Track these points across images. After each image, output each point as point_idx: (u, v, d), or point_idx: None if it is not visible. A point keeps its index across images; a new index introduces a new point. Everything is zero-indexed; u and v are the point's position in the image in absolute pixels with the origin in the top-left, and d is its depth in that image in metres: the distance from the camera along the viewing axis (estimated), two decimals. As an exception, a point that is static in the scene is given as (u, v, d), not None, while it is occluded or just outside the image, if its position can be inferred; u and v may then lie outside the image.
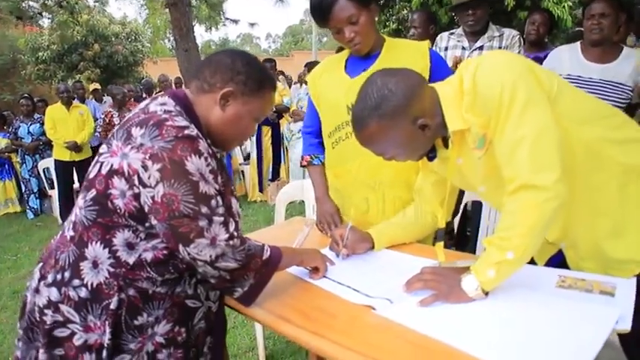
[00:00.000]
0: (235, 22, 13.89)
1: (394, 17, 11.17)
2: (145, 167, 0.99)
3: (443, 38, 2.87)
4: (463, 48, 2.74)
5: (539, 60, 2.67)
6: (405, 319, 1.01)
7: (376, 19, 1.60)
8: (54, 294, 1.04)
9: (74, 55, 15.69)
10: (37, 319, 1.05)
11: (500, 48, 2.63)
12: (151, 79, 11.25)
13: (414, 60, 1.57)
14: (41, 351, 1.03)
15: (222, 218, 1.03)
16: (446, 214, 1.41)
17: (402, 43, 1.70)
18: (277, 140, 5.71)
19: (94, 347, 1.01)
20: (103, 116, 5.55)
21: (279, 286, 1.22)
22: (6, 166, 6.33)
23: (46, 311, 1.04)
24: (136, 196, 1.01)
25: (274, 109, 5.58)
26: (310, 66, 4.58)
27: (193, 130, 1.04)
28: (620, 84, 2.36)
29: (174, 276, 1.09)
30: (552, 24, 3.30)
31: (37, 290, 1.08)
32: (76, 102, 5.88)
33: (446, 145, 1.23)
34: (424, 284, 1.11)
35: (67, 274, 1.05)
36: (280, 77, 6.66)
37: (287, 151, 5.75)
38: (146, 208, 1.00)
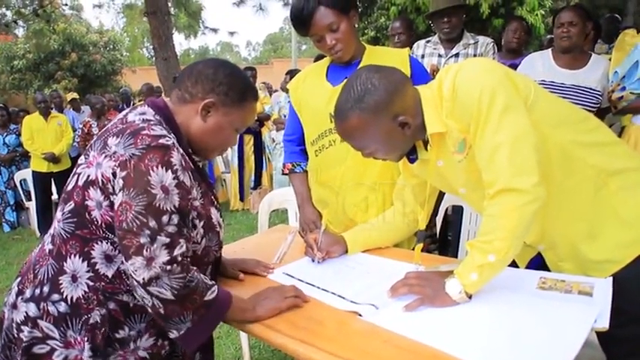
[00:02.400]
0: (215, 30, 13.85)
1: (372, 25, 11.31)
2: (114, 174, 0.98)
3: (420, 46, 2.92)
4: (439, 55, 2.80)
5: (515, 66, 2.75)
6: (392, 324, 1.02)
7: (356, 26, 1.63)
8: (32, 309, 1.02)
9: (51, 64, 15.46)
10: (15, 335, 1.03)
11: (475, 55, 2.69)
12: (130, 89, 11.14)
13: (395, 65, 1.59)
14: None
15: (167, 239, 0.97)
16: (426, 216, 1.43)
17: (383, 51, 1.73)
18: (259, 148, 5.71)
19: None
20: (81, 126, 5.47)
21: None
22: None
23: (23, 327, 1.02)
24: (111, 206, 0.99)
25: (256, 117, 5.58)
26: (292, 74, 4.61)
27: (169, 140, 1.02)
28: (590, 89, 2.45)
29: None
30: (530, 31, 3.41)
31: (14, 306, 1.05)
32: (54, 112, 5.78)
33: (426, 147, 1.25)
34: (409, 289, 1.13)
35: (45, 289, 1.03)
36: (261, 85, 6.66)
37: (269, 159, 5.75)
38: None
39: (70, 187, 1.05)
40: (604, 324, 0.95)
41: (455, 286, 1.08)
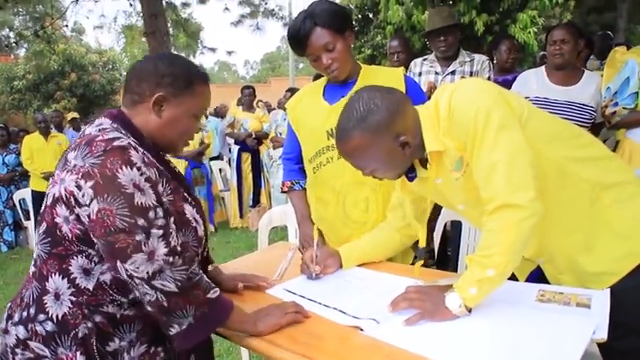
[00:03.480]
0: (213, 50, 14.00)
1: (369, 44, 11.46)
2: (78, 187, 0.97)
3: (416, 64, 2.97)
4: (436, 73, 2.85)
5: (508, 82, 2.81)
6: (393, 338, 1.03)
7: (352, 45, 1.67)
8: (21, 332, 1.04)
9: (50, 85, 15.60)
10: (10, 359, 1.05)
11: (471, 72, 2.74)
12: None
13: (389, 84, 1.61)
14: None
15: (161, 231, 0.99)
16: (424, 233, 1.45)
17: (378, 70, 1.77)
18: (257, 167, 5.75)
19: None
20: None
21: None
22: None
23: (16, 350, 1.03)
24: (78, 219, 1.00)
25: (254, 135, 5.63)
26: (293, 92, 4.67)
27: (123, 141, 1.02)
28: (584, 105, 2.50)
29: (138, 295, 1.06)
30: (520, 48, 3.48)
31: (6, 331, 1.07)
32: (54, 131, 5.83)
33: (424, 166, 1.27)
34: (409, 303, 1.14)
35: (32, 310, 1.04)
36: (259, 104, 6.72)
37: (267, 177, 5.78)
38: (85, 228, 0.99)
39: (42, 209, 1.07)
40: (602, 335, 0.96)
41: (455, 300, 1.09)
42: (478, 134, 1.09)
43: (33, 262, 1.09)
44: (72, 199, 0.99)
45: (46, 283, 1.04)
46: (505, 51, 3.33)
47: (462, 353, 0.95)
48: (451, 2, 5.17)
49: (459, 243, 2.33)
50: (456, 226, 2.57)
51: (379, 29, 11.13)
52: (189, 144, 1.26)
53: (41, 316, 1.03)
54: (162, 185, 1.08)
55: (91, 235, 0.99)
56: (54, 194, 1.02)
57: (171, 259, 0.98)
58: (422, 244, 1.44)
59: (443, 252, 2.88)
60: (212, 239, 5.36)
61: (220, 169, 6.45)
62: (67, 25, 11.64)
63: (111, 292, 1.04)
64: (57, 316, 1.02)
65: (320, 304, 1.22)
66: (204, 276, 1.05)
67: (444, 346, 0.98)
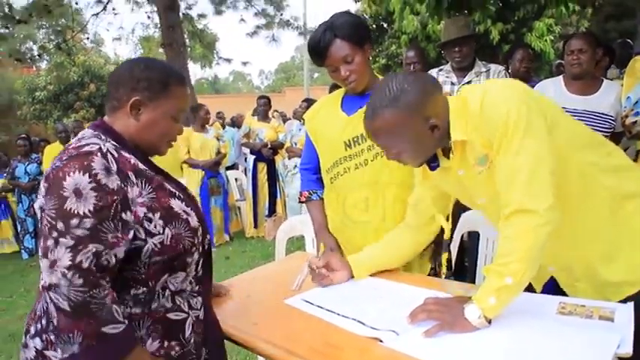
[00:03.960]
0: (228, 60, 14.17)
1: (384, 53, 11.48)
2: (43, 187, 1.02)
3: (432, 74, 2.97)
4: (452, 83, 2.85)
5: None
6: (413, 349, 1.03)
7: (370, 58, 1.69)
8: (38, 343, 1.06)
9: (70, 95, 15.91)
10: None
11: (487, 83, 2.73)
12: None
13: None
14: None
15: (72, 241, 0.95)
16: (447, 225, 1.47)
17: None
18: (273, 176, 5.76)
19: None
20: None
21: (285, 321, 1.25)
22: (2, 205, 6.33)
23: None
24: None
25: (269, 145, 5.66)
26: (309, 102, 4.71)
27: (94, 147, 1.04)
28: (603, 114, 2.48)
29: (142, 292, 1.08)
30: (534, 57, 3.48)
31: (25, 345, 1.10)
32: (73, 142, 5.95)
33: (448, 156, 1.28)
34: (428, 315, 1.14)
35: (44, 322, 1.07)
36: (275, 114, 6.77)
37: (282, 187, 5.80)
38: None
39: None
40: (627, 350, 0.95)
41: (474, 312, 1.09)
42: (506, 135, 1.10)
43: (40, 276, 1.06)
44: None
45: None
46: (519, 60, 3.32)
47: (483, 366, 0.95)
48: (466, 12, 5.16)
49: (477, 254, 2.31)
50: (473, 237, 2.55)
51: (394, 39, 11.16)
52: (173, 145, 1.26)
53: (52, 326, 1.04)
54: (140, 187, 1.07)
55: None
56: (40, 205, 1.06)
57: (70, 274, 0.93)
58: (447, 235, 1.46)
59: (460, 263, 2.86)
60: (228, 248, 5.39)
61: (236, 179, 6.49)
62: (88, 38, 11.90)
63: (113, 292, 1.03)
64: None
65: (338, 314, 1.23)
66: (114, 307, 0.99)
67: (463, 358, 0.98)
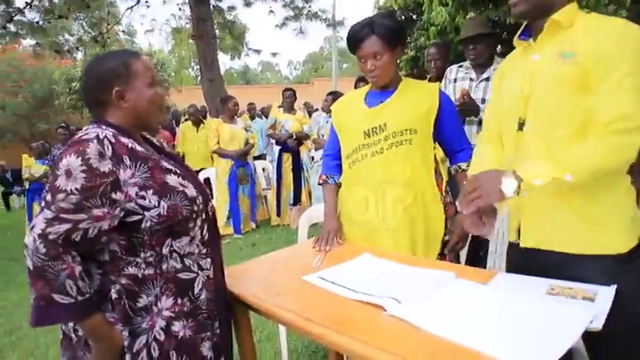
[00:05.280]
0: (258, 52, 14.34)
1: (412, 45, 11.46)
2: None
3: (452, 71, 3.07)
4: (471, 79, 2.94)
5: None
6: (413, 318, 1.17)
7: (398, 61, 1.86)
8: None
9: (104, 86, 16.42)
10: (72, 336, 1.27)
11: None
12: (177, 108, 11.73)
13: (424, 97, 1.84)
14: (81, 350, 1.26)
15: (52, 214, 1.11)
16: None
17: (416, 84, 1.96)
18: (297, 167, 5.94)
19: None
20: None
21: (303, 294, 1.41)
22: (43, 191, 6.69)
23: (77, 327, 1.25)
24: None
25: (294, 136, 5.83)
26: (334, 95, 4.87)
27: (92, 134, 1.20)
28: None
29: (150, 255, 1.24)
30: None
31: None
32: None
33: (535, 38, 1.37)
34: (470, 202, 1.30)
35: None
36: (301, 106, 6.93)
37: (307, 177, 5.96)
38: None
39: None
40: (598, 325, 1.07)
41: (511, 185, 1.23)
42: (623, 58, 1.17)
43: None
44: None
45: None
46: None
47: (471, 332, 1.08)
48: (491, 6, 5.18)
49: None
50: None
51: (422, 30, 11.09)
52: (165, 111, 1.48)
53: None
54: (133, 169, 1.22)
55: None
56: None
57: (38, 240, 1.09)
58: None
59: (474, 254, 2.96)
60: (254, 235, 5.61)
61: (263, 169, 6.70)
62: (123, 31, 12.27)
63: (124, 257, 1.22)
64: (94, 288, 1.21)
65: (349, 289, 1.39)
66: (68, 281, 1.12)
67: (455, 326, 1.11)
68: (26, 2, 8.13)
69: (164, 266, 1.26)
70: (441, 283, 1.37)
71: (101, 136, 1.21)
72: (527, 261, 1.45)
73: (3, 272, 5.01)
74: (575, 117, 1.28)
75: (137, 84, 1.31)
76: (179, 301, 1.28)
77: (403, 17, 11.72)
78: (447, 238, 1.86)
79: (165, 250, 1.27)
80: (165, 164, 1.30)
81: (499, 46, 6.44)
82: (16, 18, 8.26)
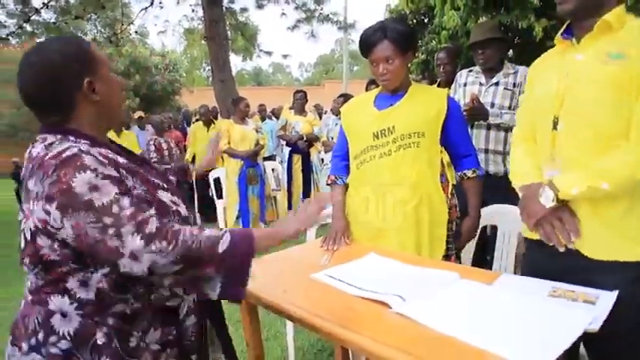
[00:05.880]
0: (269, 53, 14.44)
1: (423, 49, 11.45)
2: (47, 212, 0.96)
3: (462, 75, 3.10)
4: (480, 84, 2.96)
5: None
6: (417, 315, 1.20)
7: (409, 64, 1.89)
8: (37, 358, 1.03)
9: (116, 85, 16.65)
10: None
11: (514, 84, 2.83)
12: (189, 109, 11.85)
13: (433, 102, 1.88)
14: None
15: (131, 225, 0.95)
16: None
17: (425, 88, 2.02)
18: (307, 168, 5.98)
19: None
20: (152, 143, 5.89)
21: (311, 291, 1.46)
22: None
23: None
24: (63, 243, 0.99)
25: (305, 137, 5.87)
26: (345, 97, 4.94)
27: (74, 149, 0.99)
28: None
29: (141, 288, 1.08)
30: None
31: None
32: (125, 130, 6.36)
33: (579, 39, 1.37)
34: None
35: (40, 336, 1.03)
36: (312, 108, 6.98)
37: (317, 179, 6.00)
38: (74, 248, 0.99)
39: (22, 245, 1.05)
40: (595, 327, 1.09)
41: (549, 197, 1.31)
42: None
43: (28, 292, 1.08)
44: (49, 227, 0.98)
45: (48, 306, 1.03)
46: None
47: (475, 329, 1.11)
48: (502, 11, 5.18)
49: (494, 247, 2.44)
50: (495, 232, 2.66)
51: (434, 34, 11.09)
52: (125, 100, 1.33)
53: (53, 338, 1.02)
54: (132, 181, 1.07)
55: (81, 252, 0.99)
56: (30, 228, 1.01)
57: (153, 247, 0.95)
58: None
59: (481, 257, 2.97)
60: (263, 235, 5.65)
61: (273, 169, 6.75)
62: (136, 32, 12.42)
63: (112, 294, 1.04)
64: (69, 333, 1.02)
65: (356, 287, 1.42)
66: (203, 233, 1.03)
67: (458, 325, 1.14)
68: (43, 2, 8.28)
69: (153, 296, 1.11)
70: (446, 283, 1.40)
71: (84, 149, 1.01)
72: (546, 262, 1.48)
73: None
74: (614, 119, 1.29)
75: (103, 71, 1.11)
76: (166, 330, 1.15)
77: (414, 21, 11.73)
78: (450, 240, 1.90)
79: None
80: (152, 178, 1.15)
81: (510, 51, 6.44)
82: (32, 18, 8.41)
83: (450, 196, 1.94)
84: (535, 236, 1.51)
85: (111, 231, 0.95)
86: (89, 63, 1.09)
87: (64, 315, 1.02)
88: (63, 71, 1.05)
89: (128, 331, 1.07)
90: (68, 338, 1.02)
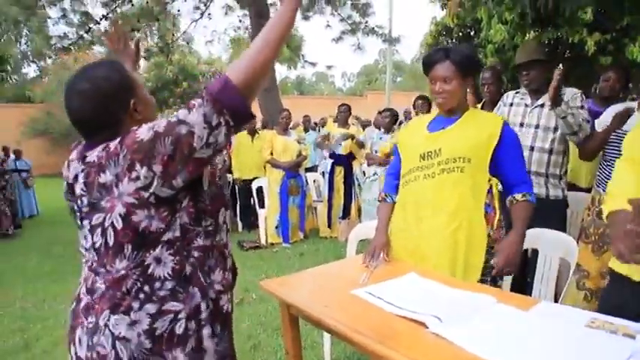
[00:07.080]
0: (313, 64, 14.71)
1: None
2: (137, 178, 1.05)
3: (509, 96, 3.09)
4: (526, 105, 2.94)
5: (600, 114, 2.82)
6: (454, 337, 1.24)
7: (468, 90, 1.98)
8: (150, 308, 1.11)
9: (165, 92, 17.31)
10: (167, 332, 1.13)
11: (562, 105, 2.79)
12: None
13: (486, 126, 1.89)
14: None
15: (182, 111, 1.06)
16: None
17: (481, 114, 2.04)
18: (349, 180, 6.03)
19: (192, 316, 1.16)
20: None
21: (351, 306, 1.51)
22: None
23: (156, 325, 1.11)
24: (157, 201, 1.08)
25: (354, 137, 5.84)
26: (391, 112, 5.08)
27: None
28: None
29: (210, 224, 1.20)
30: (628, 78, 3.38)
31: (132, 323, 1.11)
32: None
33: None
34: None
35: (146, 288, 1.12)
36: (354, 120, 7.05)
37: (358, 192, 6.03)
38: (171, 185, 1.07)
39: (111, 242, 1.11)
40: (636, 360, 1.11)
41: None
42: None
43: (104, 279, 1.13)
44: (142, 194, 1.06)
45: (145, 261, 1.12)
46: (604, 80, 3.30)
47: (510, 355, 1.14)
48: (550, 27, 5.09)
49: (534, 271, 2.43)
50: (536, 255, 2.64)
51: (480, 48, 10.96)
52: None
53: (157, 284, 1.12)
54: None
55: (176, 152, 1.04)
56: (120, 214, 1.08)
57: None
58: None
59: (522, 279, 2.93)
60: (302, 246, 5.76)
61: (314, 181, 6.84)
62: (188, 43, 12.91)
63: (192, 227, 1.16)
64: (168, 273, 1.13)
65: (394, 305, 1.48)
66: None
67: (494, 347, 1.18)
68: (103, 15, 8.76)
69: (217, 237, 1.24)
70: (483, 307, 1.44)
71: None
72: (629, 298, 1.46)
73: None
74: None
75: (141, 92, 1.25)
76: (224, 275, 1.26)
77: (460, 34, 11.63)
78: (492, 262, 1.90)
79: (220, 219, 1.24)
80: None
81: (560, 65, 6.29)
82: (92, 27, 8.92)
83: (494, 228, 1.92)
84: (623, 269, 1.50)
85: (177, 128, 1.04)
86: (131, 87, 1.21)
87: (159, 262, 1.13)
88: (112, 98, 1.17)
89: (205, 264, 1.20)
90: (170, 277, 1.14)
